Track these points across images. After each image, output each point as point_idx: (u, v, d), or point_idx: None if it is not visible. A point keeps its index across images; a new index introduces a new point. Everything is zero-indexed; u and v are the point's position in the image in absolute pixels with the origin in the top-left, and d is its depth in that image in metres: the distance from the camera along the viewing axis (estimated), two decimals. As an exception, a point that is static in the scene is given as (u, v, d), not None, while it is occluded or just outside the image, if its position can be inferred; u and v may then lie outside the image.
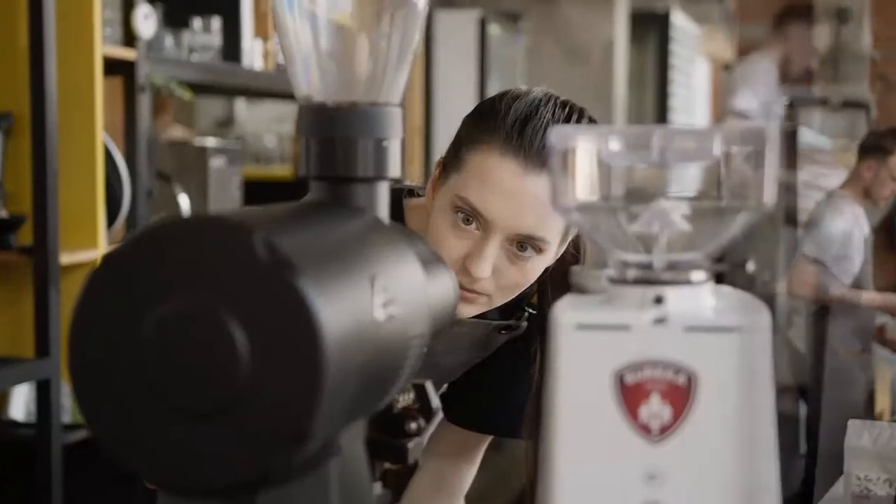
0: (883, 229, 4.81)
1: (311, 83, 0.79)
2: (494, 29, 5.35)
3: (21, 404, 2.82)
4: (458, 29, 5.16)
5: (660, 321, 0.68)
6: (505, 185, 1.26)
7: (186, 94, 2.93)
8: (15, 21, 2.60)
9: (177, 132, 4.41)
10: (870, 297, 4.88)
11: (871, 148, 4.72)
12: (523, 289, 1.34)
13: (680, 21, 7.50)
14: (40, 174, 2.49)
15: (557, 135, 0.70)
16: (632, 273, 0.70)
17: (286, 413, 0.61)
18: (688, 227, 0.69)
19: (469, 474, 1.59)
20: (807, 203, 7.10)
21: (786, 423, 5.04)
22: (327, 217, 0.73)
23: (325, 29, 0.78)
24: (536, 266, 1.32)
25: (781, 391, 5.57)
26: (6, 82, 2.65)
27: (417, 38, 0.81)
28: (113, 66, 2.84)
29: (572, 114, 1.31)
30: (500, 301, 1.34)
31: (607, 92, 5.98)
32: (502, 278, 1.30)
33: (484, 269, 1.28)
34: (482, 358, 1.51)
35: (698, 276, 0.70)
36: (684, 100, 7.88)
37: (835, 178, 4.76)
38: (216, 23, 3.27)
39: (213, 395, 0.61)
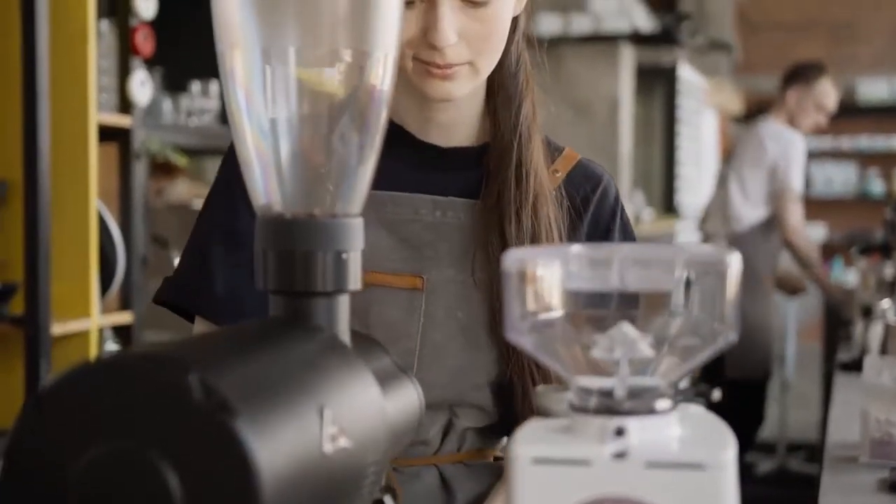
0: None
1: (269, 193, 0.76)
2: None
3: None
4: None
5: (620, 456, 0.64)
6: None
7: (182, 160, 2.92)
8: (10, 88, 2.60)
9: (183, 189, 4.40)
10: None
11: (797, 76, 4.75)
12: (501, 42, 1.26)
13: (687, 74, 7.50)
14: (32, 243, 2.47)
15: (512, 258, 0.68)
16: (593, 401, 0.67)
17: (223, 562, 0.58)
18: (651, 354, 0.66)
19: None
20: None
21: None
22: (277, 341, 0.70)
23: (284, 137, 0.76)
24: (501, 10, 1.24)
25: (794, 448, 5.51)
26: (0, 149, 2.64)
27: (378, 140, 0.78)
28: (109, 133, 2.83)
29: None
30: (485, 66, 1.27)
31: (613, 147, 5.97)
32: (470, 36, 1.23)
33: (447, 35, 1.20)
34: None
35: (662, 404, 0.67)
36: (692, 152, 7.87)
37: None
38: (215, 86, 3.26)
39: (145, 544, 0.58)
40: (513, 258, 0.68)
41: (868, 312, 3.09)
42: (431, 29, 1.20)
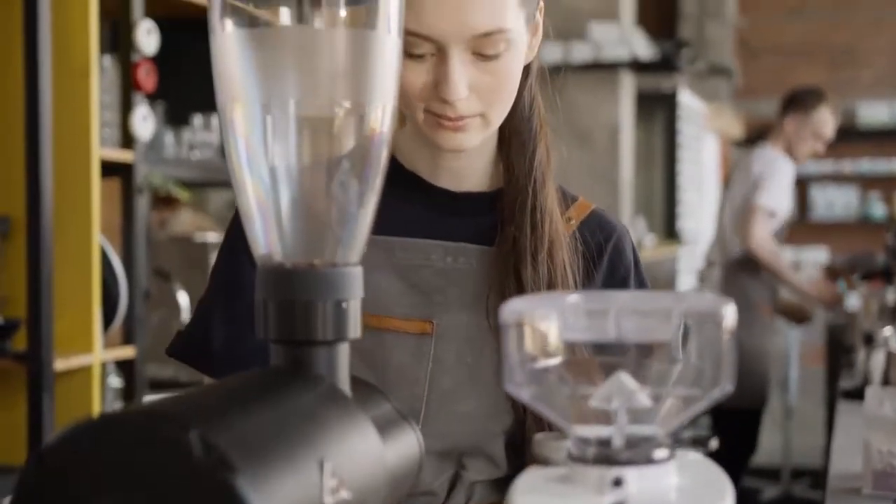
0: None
1: (269, 243, 0.77)
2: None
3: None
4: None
5: (618, 506, 0.65)
6: None
7: (183, 195, 2.93)
8: (12, 123, 2.61)
9: (186, 219, 4.41)
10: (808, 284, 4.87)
11: (795, 104, 4.72)
12: (512, 93, 1.25)
13: (687, 99, 7.53)
14: (35, 279, 2.48)
15: (510, 309, 0.68)
16: (591, 451, 0.67)
17: None
18: (649, 404, 0.67)
19: None
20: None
21: None
22: (277, 392, 0.71)
23: (284, 187, 0.76)
24: (512, 63, 1.23)
25: (799, 475, 5.50)
26: (3, 186, 2.65)
27: (378, 184, 0.79)
28: (111, 168, 2.85)
29: None
30: (497, 118, 1.25)
31: (614, 174, 5.99)
32: (481, 89, 1.21)
33: (458, 90, 1.19)
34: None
35: (660, 454, 0.67)
36: (693, 177, 7.88)
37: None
38: (216, 120, 3.28)
39: None
40: (510, 309, 0.68)
41: (870, 340, 3.09)
42: (442, 83, 1.19)
